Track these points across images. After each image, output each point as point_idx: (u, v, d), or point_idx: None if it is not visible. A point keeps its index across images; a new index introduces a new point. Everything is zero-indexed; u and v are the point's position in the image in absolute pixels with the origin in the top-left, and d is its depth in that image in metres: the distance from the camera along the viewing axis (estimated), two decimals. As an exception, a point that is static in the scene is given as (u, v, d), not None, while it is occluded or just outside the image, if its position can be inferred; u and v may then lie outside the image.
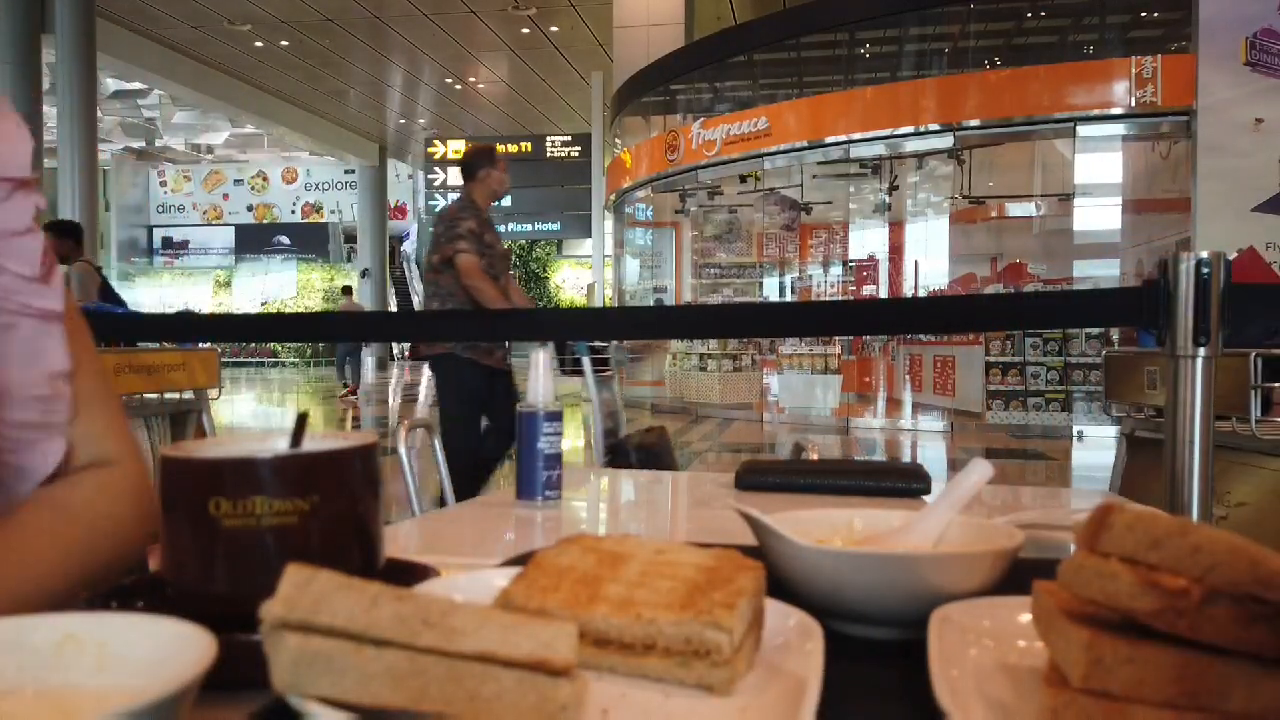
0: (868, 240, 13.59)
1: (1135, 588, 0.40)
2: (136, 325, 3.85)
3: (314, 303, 27.96)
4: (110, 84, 19.09)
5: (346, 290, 17.92)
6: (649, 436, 3.15)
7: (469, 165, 4.24)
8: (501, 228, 22.81)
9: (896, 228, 13.80)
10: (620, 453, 3.03)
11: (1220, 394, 1.58)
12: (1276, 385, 2.33)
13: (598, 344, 12.40)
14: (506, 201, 20.53)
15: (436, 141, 21.15)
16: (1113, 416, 3.57)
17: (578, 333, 3.97)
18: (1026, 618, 0.53)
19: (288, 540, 0.52)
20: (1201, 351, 1.48)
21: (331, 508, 0.53)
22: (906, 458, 8.65)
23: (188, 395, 3.91)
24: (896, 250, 13.73)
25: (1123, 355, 2.99)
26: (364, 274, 24.45)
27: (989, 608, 0.58)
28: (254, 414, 13.00)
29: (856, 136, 11.24)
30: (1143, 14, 11.90)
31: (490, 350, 4.07)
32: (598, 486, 1.63)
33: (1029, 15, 12.65)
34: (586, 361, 3.68)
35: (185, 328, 3.52)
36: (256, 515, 0.51)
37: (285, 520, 0.51)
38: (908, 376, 11.75)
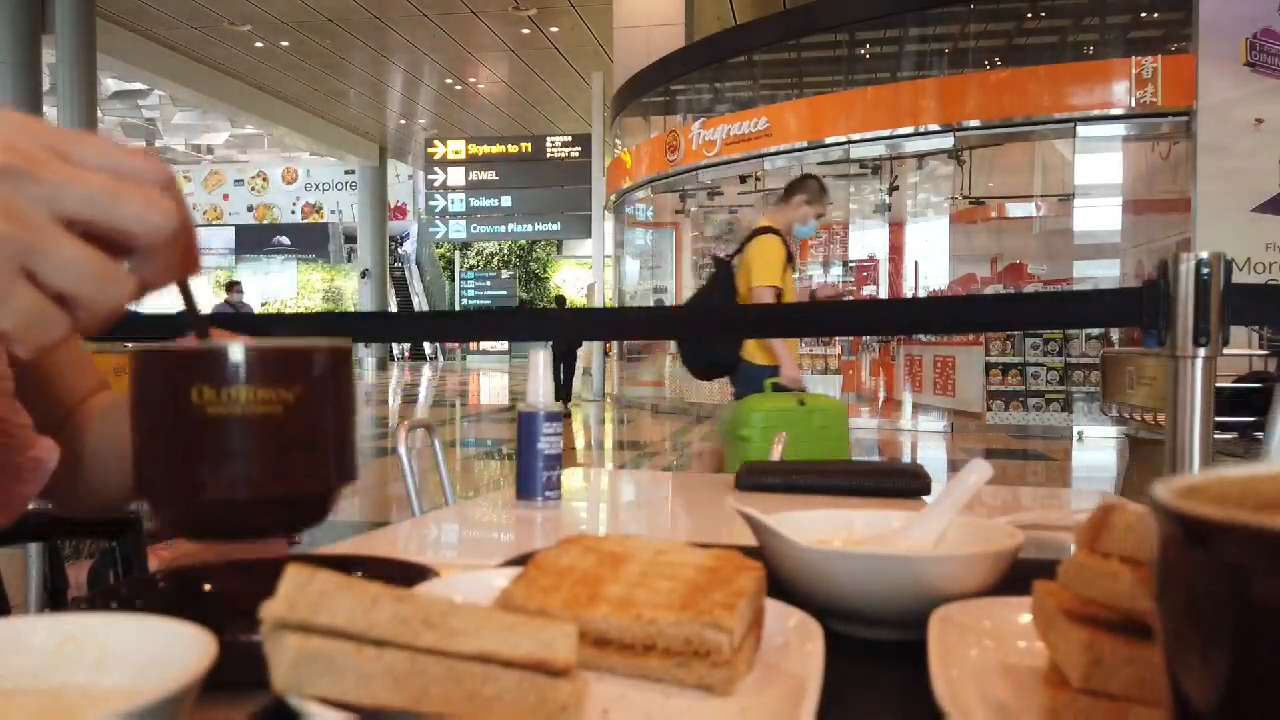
0: (868, 240, 13.59)
1: (1136, 588, 0.40)
2: (137, 325, 3.85)
3: (314, 303, 27.97)
4: (110, 84, 19.08)
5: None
6: None
7: None
8: (501, 228, 22.59)
9: (897, 228, 13.80)
10: None
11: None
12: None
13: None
14: (507, 201, 20.54)
15: (436, 142, 21.14)
16: (1109, 416, 3.57)
17: (578, 333, 3.97)
18: (1026, 618, 0.53)
19: (272, 429, 0.51)
20: (1201, 352, 1.48)
21: (312, 399, 0.53)
22: (906, 458, 8.65)
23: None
24: (896, 250, 13.74)
25: (1120, 355, 2.99)
26: (364, 274, 24.44)
27: (989, 608, 0.58)
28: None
29: (856, 137, 11.25)
30: (1143, 14, 11.90)
31: None
32: (598, 486, 1.63)
33: (1029, 15, 12.64)
34: None
35: (186, 328, 3.51)
36: (241, 403, 0.50)
37: (270, 409, 0.51)
38: (908, 377, 11.74)
